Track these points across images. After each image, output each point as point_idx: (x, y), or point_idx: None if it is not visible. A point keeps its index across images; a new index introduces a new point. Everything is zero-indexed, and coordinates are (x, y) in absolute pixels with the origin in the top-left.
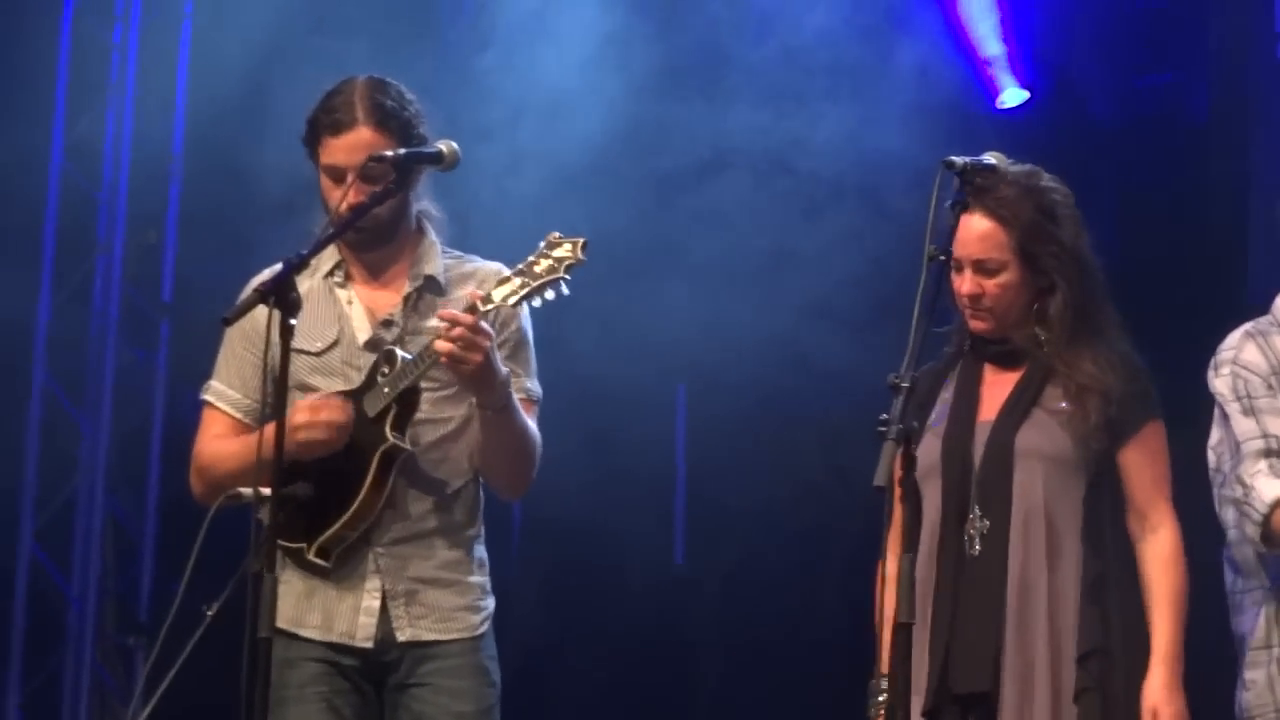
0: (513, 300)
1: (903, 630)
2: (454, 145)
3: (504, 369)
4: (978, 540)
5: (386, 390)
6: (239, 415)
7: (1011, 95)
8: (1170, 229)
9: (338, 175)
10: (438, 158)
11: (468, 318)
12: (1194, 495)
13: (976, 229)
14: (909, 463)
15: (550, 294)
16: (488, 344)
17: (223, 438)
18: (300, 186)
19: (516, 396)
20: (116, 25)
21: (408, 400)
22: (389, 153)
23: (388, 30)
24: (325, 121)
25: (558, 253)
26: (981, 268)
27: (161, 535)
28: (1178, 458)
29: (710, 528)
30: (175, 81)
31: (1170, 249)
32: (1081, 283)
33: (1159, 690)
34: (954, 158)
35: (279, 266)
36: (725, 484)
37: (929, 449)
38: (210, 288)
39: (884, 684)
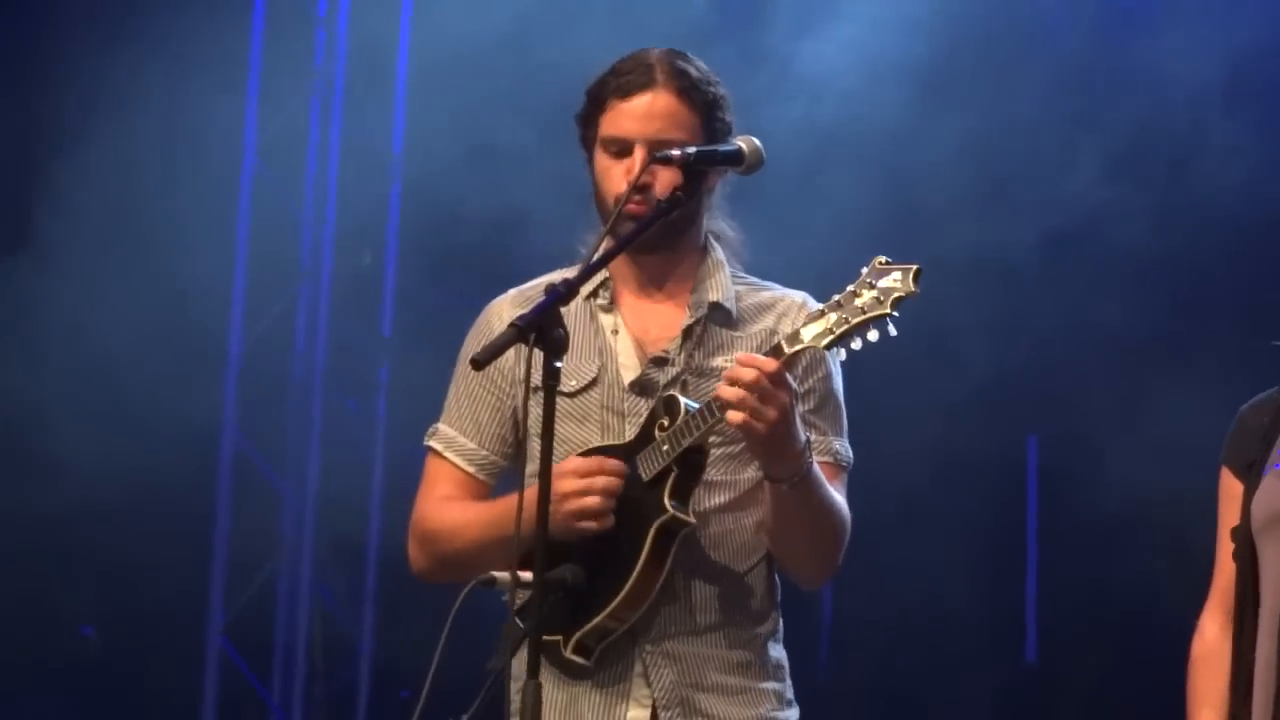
0: (826, 342)
1: None
2: (756, 142)
3: (804, 433)
4: None
5: (666, 449)
6: (470, 470)
7: None
8: None
9: (621, 149)
10: (736, 157)
11: (768, 362)
12: None
13: None
14: (1245, 512)
15: (873, 335)
16: (787, 400)
17: (452, 500)
18: (557, 187)
19: (819, 460)
20: None
21: (691, 462)
22: (675, 151)
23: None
24: (613, 84)
25: (884, 283)
26: None
27: (382, 627)
28: None
29: (1068, 615)
30: (395, 62)
31: None
32: None
33: None
34: None
35: (526, 288)
36: (1084, 557)
37: (1270, 495)
38: (440, 319)
39: None
